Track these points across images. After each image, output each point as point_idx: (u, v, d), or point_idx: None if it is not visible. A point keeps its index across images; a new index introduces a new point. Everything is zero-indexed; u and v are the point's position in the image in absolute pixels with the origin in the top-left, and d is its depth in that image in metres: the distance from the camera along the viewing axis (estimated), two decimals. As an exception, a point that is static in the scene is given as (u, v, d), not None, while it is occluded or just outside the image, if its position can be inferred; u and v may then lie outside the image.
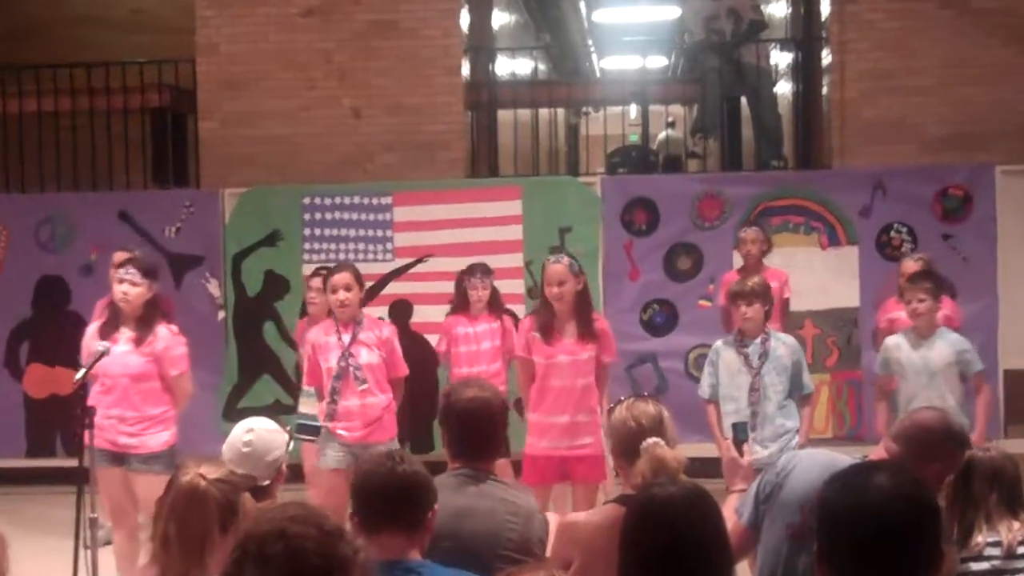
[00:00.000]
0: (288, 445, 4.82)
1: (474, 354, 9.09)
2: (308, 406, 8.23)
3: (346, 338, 7.68)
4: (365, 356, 7.67)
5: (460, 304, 9.32)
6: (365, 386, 7.62)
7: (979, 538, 4.44)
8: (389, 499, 3.66)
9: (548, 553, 4.50)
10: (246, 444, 4.68)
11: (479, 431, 4.50)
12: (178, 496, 3.77)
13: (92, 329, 7.37)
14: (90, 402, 6.95)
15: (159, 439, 7.19)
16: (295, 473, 5.18)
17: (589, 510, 4.79)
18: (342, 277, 7.70)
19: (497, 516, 4.39)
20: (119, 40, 12.82)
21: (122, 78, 11.75)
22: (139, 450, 7.14)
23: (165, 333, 7.31)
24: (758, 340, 7.56)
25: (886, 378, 7.93)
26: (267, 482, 4.70)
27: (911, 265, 8.86)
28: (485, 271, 9.29)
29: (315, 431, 7.73)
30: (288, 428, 4.87)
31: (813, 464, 4.25)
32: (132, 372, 7.20)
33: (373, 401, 7.67)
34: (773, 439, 7.39)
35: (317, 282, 8.84)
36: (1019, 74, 10.93)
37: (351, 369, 7.64)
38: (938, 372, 7.71)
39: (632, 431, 4.50)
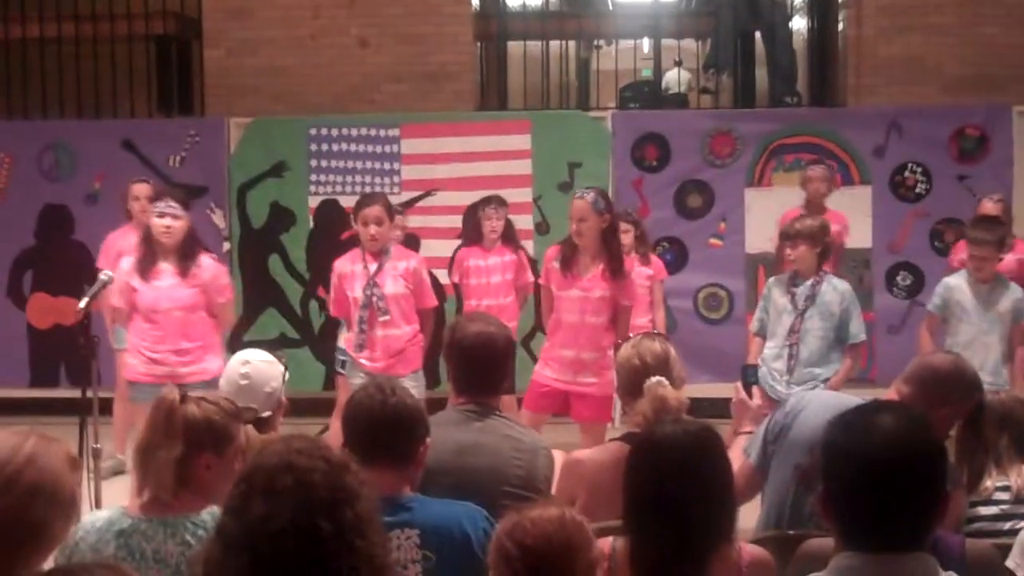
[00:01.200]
0: (285, 376, 4.75)
1: (484, 287, 9.04)
2: (343, 339, 8.25)
3: (372, 268, 7.67)
4: (390, 286, 7.67)
5: (473, 236, 9.26)
6: (387, 317, 7.62)
7: (988, 482, 4.40)
8: (379, 432, 3.62)
9: (553, 490, 4.45)
10: (243, 376, 4.62)
11: (483, 366, 4.44)
12: (154, 412, 3.70)
13: (127, 265, 7.34)
14: (135, 336, 7.23)
15: (215, 365, 7.19)
16: (297, 407, 5.10)
17: (594, 448, 4.70)
18: (373, 210, 7.65)
19: (502, 452, 4.34)
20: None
21: (127, 4, 11.60)
22: (200, 376, 7.13)
23: (209, 263, 7.43)
24: (809, 282, 7.45)
25: (936, 317, 7.90)
26: (268, 414, 4.64)
27: (989, 206, 8.77)
28: (500, 203, 9.25)
29: (343, 364, 7.76)
30: (284, 359, 4.80)
31: (822, 405, 4.19)
32: (184, 304, 7.26)
33: (396, 332, 7.67)
34: (800, 383, 7.27)
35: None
36: (1039, 13, 10.76)
37: (374, 299, 7.62)
38: (996, 319, 7.68)
39: (637, 368, 4.44)
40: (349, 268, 7.78)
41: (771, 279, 7.78)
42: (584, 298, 7.23)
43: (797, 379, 7.32)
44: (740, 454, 4.43)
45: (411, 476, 3.72)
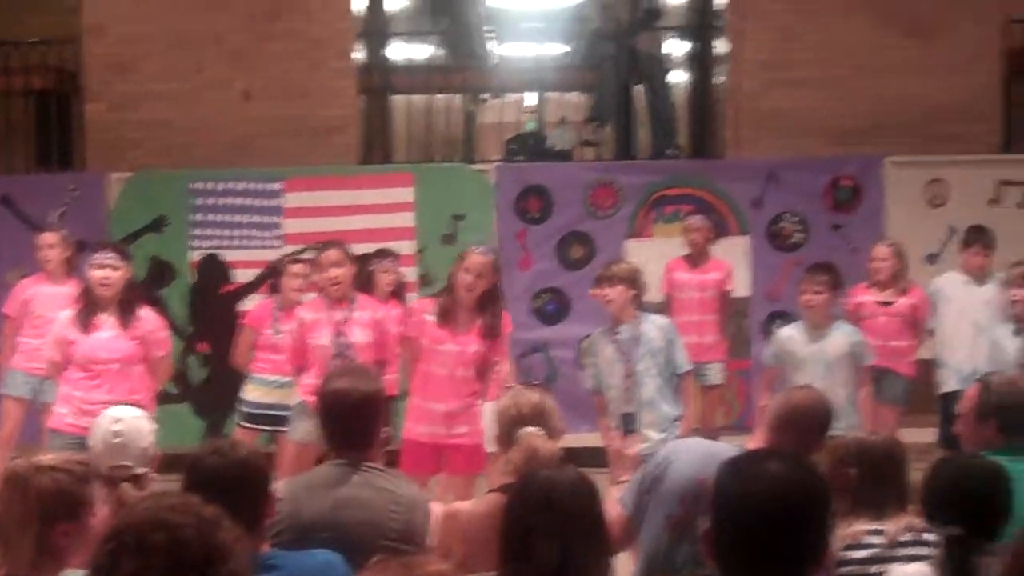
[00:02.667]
0: (153, 431, 4.71)
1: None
2: (255, 393, 8.16)
3: (338, 316, 7.57)
4: (358, 335, 7.59)
5: (363, 289, 9.23)
6: None
7: (860, 526, 4.44)
8: (223, 494, 3.56)
9: (431, 542, 4.45)
10: (116, 434, 4.56)
11: (352, 421, 4.41)
12: (7, 487, 3.64)
13: (64, 318, 7.25)
14: (68, 387, 7.11)
15: None
16: (176, 462, 5.04)
17: (471, 500, 4.72)
18: (331, 254, 7.63)
19: (379, 506, 4.32)
20: (2, 20, 12.50)
21: (5, 59, 11.47)
22: None
23: (149, 315, 7.39)
24: (629, 325, 7.53)
25: (774, 370, 7.91)
26: (143, 471, 4.59)
27: (881, 250, 8.93)
28: (393, 256, 9.23)
29: (255, 419, 7.64)
30: (153, 417, 4.76)
31: (692, 455, 4.25)
32: (122, 356, 7.16)
33: None
34: (656, 427, 7.36)
35: (298, 268, 8.72)
36: (911, 66, 11.04)
37: (342, 348, 7.53)
38: (833, 363, 7.69)
39: (513, 418, 4.48)
40: (312, 316, 7.66)
41: (594, 333, 7.82)
42: (460, 353, 7.22)
43: (652, 422, 7.34)
44: (616, 503, 4.47)
45: (263, 532, 3.70)
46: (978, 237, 9.05)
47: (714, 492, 2.85)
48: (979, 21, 11.12)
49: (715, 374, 9.46)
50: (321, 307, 7.65)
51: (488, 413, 8.54)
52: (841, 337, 7.78)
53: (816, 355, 7.69)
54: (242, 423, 8.09)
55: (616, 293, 7.53)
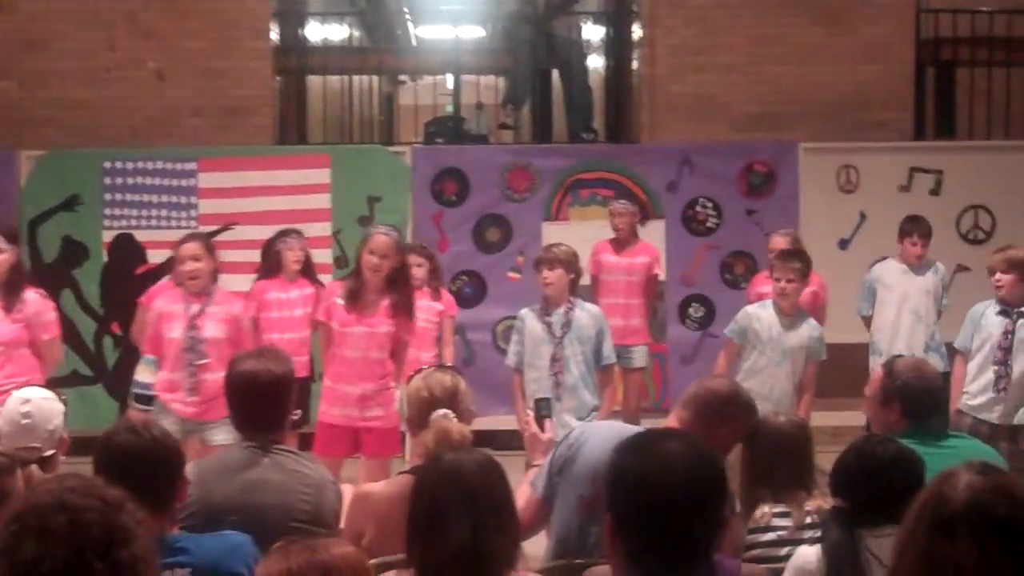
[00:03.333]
0: (63, 414, 4.67)
1: (286, 320, 8.91)
2: (145, 374, 8.04)
3: (193, 309, 7.47)
4: (211, 330, 7.46)
5: (271, 268, 9.16)
6: (205, 361, 7.42)
7: (766, 508, 4.49)
8: (138, 472, 3.55)
9: (342, 524, 4.45)
10: (25, 415, 4.52)
11: (262, 403, 4.40)
12: None
13: None
14: None
15: None
16: (89, 444, 5.00)
17: (382, 482, 4.72)
18: (190, 247, 7.50)
19: (289, 488, 4.32)
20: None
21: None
22: None
23: (34, 297, 7.23)
24: (562, 309, 7.58)
25: (735, 345, 7.91)
26: (51, 452, 4.55)
27: (780, 241, 9.00)
28: (299, 235, 9.18)
29: (148, 400, 7.54)
30: (63, 398, 4.72)
31: (605, 436, 4.27)
32: (5, 339, 7.04)
33: (211, 377, 7.37)
34: (574, 413, 7.42)
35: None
36: (824, 54, 11.17)
37: (194, 342, 7.44)
38: (791, 352, 7.74)
39: (425, 401, 4.47)
40: (168, 308, 7.56)
41: (524, 310, 7.84)
42: (370, 334, 7.20)
43: (573, 408, 7.44)
44: (528, 486, 4.49)
45: (173, 515, 3.69)
46: (914, 227, 9.12)
47: (610, 473, 2.87)
48: (891, 10, 11.27)
49: (639, 357, 9.52)
50: (178, 299, 7.55)
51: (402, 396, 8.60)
52: (806, 330, 7.81)
53: (778, 340, 7.73)
54: (134, 404, 7.98)
55: (556, 276, 7.57)
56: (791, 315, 7.80)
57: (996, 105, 11.34)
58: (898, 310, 9.00)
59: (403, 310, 7.24)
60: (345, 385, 7.20)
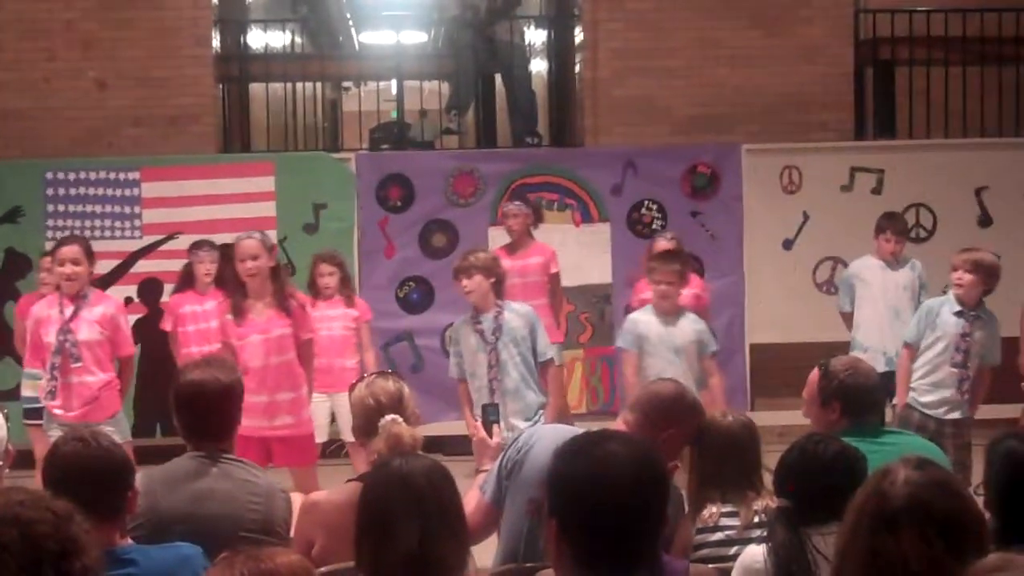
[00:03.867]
0: (6, 427, 4.62)
1: (203, 332, 8.84)
2: (28, 388, 7.98)
3: (68, 312, 7.47)
4: (85, 332, 7.49)
5: (185, 281, 9.15)
6: (79, 364, 7.44)
7: (714, 508, 4.52)
8: (86, 484, 3.52)
9: (292, 533, 4.44)
10: (-32, 429, 4.47)
11: (211, 412, 4.39)
12: None
13: None
14: None
15: None
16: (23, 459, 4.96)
17: (331, 489, 4.71)
18: (70, 250, 7.51)
19: (238, 497, 4.31)
20: None
21: None
22: None
23: None
24: (491, 314, 7.59)
25: (633, 354, 7.97)
26: (-1, 465, 4.51)
27: (663, 243, 9.04)
28: (211, 246, 9.14)
29: (37, 413, 7.50)
30: (5, 411, 4.67)
31: (553, 439, 4.27)
32: None
33: (89, 380, 7.49)
34: (521, 415, 7.44)
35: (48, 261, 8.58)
36: (764, 56, 11.24)
37: (67, 345, 7.44)
38: (682, 349, 7.83)
39: (371, 408, 4.48)
40: (45, 312, 7.58)
41: (456, 322, 7.91)
42: (265, 340, 7.25)
43: (518, 411, 7.47)
44: (477, 491, 4.50)
45: (122, 526, 3.67)
46: (889, 223, 9.17)
47: (551, 474, 2.88)
48: (830, 11, 11.36)
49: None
50: (54, 303, 7.59)
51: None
52: (688, 325, 7.92)
53: (666, 340, 7.82)
54: (24, 421, 7.91)
55: (474, 284, 7.59)
56: (673, 314, 7.89)
57: (935, 104, 11.45)
58: (874, 305, 9.04)
59: (283, 305, 7.28)
60: (251, 396, 7.15)
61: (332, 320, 8.73)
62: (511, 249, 9.52)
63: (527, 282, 9.42)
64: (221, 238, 9.64)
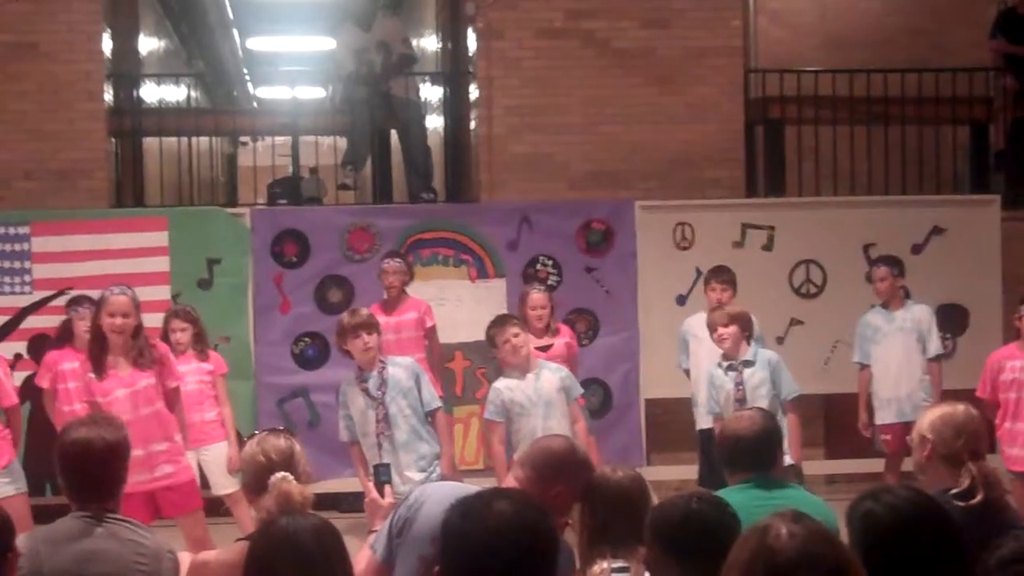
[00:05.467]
0: None
1: (82, 390, 8.75)
2: None
3: None
4: None
5: (63, 337, 9.05)
6: None
7: (604, 564, 4.52)
8: None
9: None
10: None
11: (96, 471, 4.33)
12: None
13: None
14: None
15: None
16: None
17: (219, 549, 4.66)
18: None
19: (124, 558, 4.25)
20: None
21: None
22: None
23: None
24: (375, 371, 7.58)
25: (500, 425, 7.81)
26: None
27: (540, 298, 9.07)
28: (91, 301, 8.98)
29: None
30: None
31: (441, 496, 4.27)
32: None
33: None
34: (415, 467, 7.43)
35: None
36: (657, 113, 11.40)
37: None
38: (550, 402, 7.80)
39: (262, 465, 4.44)
40: None
41: (342, 384, 7.84)
42: (133, 393, 7.25)
43: (411, 463, 7.44)
44: (368, 550, 4.48)
45: None
46: (716, 275, 9.35)
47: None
48: (721, 70, 11.54)
49: None
50: None
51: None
52: (550, 375, 7.91)
53: (534, 397, 7.78)
54: None
55: (374, 340, 7.62)
56: (529, 369, 7.86)
57: (823, 162, 11.70)
58: (706, 360, 9.02)
59: (151, 360, 7.31)
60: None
61: (185, 375, 8.61)
62: (387, 306, 9.53)
63: (401, 338, 9.43)
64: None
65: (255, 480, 4.44)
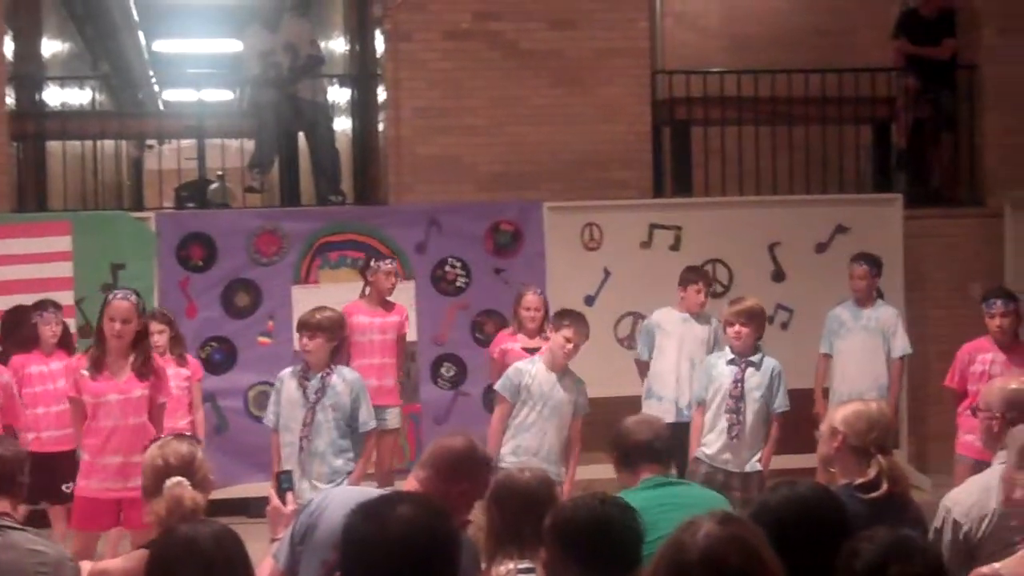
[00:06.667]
0: None
1: (50, 393, 8.70)
2: None
3: None
4: None
5: (28, 342, 8.92)
6: None
7: (511, 564, 4.53)
8: None
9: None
10: None
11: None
12: None
13: None
14: None
15: None
16: None
17: (120, 557, 4.62)
18: None
19: (25, 568, 4.21)
20: None
21: None
22: None
23: None
24: (320, 374, 7.54)
25: (508, 402, 7.84)
26: None
27: (531, 297, 9.07)
28: (56, 307, 8.97)
29: None
30: None
31: (343, 500, 4.25)
32: None
33: None
34: (324, 479, 7.38)
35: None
36: (565, 115, 11.44)
37: None
38: (558, 407, 7.81)
39: (160, 469, 4.42)
40: None
41: (284, 371, 7.82)
42: (125, 400, 7.13)
43: (323, 475, 7.41)
44: (270, 559, 4.44)
45: None
46: (699, 276, 9.34)
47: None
48: (627, 71, 11.62)
49: (393, 418, 9.47)
50: None
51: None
52: (571, 384, 7.90)
53: (548, 395, 7.78)
54: None
55: (315, 345, 7.57)
56: (560, 371, 7.88)
57: (729, 162, 11.81)
58: (675, 356, 9.16)
59: (144, 371, 7.17)
60: (105, 457, 7.07)
61: None
62: (373, 305, 9.49)
63: (386, 339, 9.46)
64: (14, 300, 9.44)
65: (152, 483, 4.41)
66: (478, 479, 4.48)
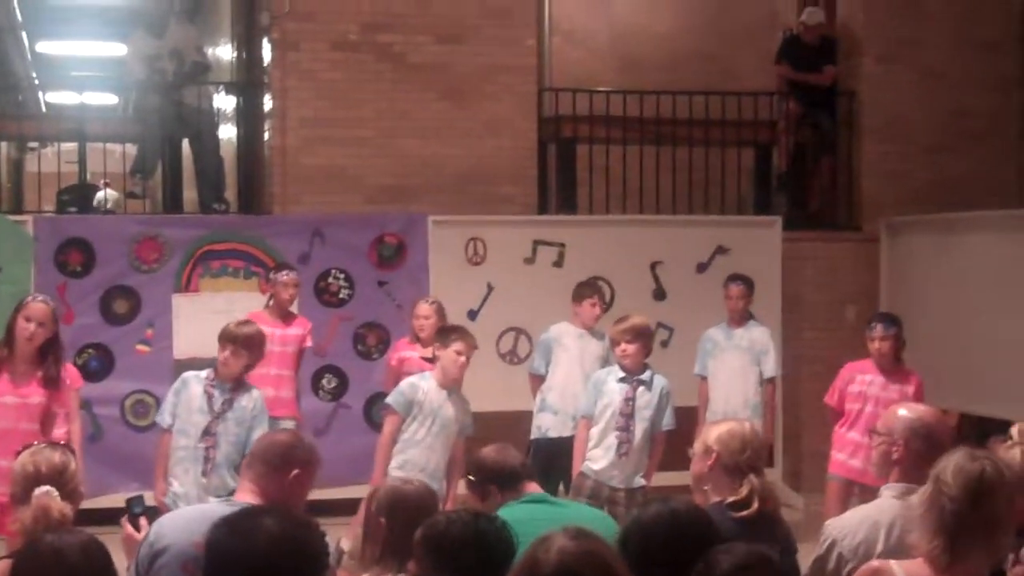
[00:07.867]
0: None
1: None
2: None
3: None
4: None
5: None
6: None
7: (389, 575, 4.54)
8: None
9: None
10: None
11: None
12: None
13: None
14: None
15: None
16: None
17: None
18: None
19: None
20: None
21: None
22: None
23: None
24: (229, 386, 7.42)
25: (398, 416, 7.81)
26: None
27: (426, 308, 9.11)
28: None
29: None
30: None
31: (182, 521, 4.25)
32: None
33: None
34: (217, 492, 7.25)
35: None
36: (451, 129, 11.48)
37: None
38: (448, 424, 7.80)
39: (30, 476, 4.35)
40: None
41: (188, 374, 7.64)
42: (21, 405, 7.03)
43: (216, 488, 7.24)
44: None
45: None
46: (595, 291, 9.44)
47: (208, 553, 2.89)
48: (514, 88, 11.70)
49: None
50: None
51: None
52: (459, 402, 7.91)
53: (437, 410, 7.77)
54: None
55: (237, 360, 7.40)
56: (452, 387, 7.87)
57: (614, 180, 11.91)
58: (570, 370, 9.19)
59: (54, 381, 7.10)
60: None
61: None
62: (282, 318, 9.45)
63: (287, 351, 9.41)
64: None
65: (21, 490, 4.35)
66: (308, 464, 4.49)
